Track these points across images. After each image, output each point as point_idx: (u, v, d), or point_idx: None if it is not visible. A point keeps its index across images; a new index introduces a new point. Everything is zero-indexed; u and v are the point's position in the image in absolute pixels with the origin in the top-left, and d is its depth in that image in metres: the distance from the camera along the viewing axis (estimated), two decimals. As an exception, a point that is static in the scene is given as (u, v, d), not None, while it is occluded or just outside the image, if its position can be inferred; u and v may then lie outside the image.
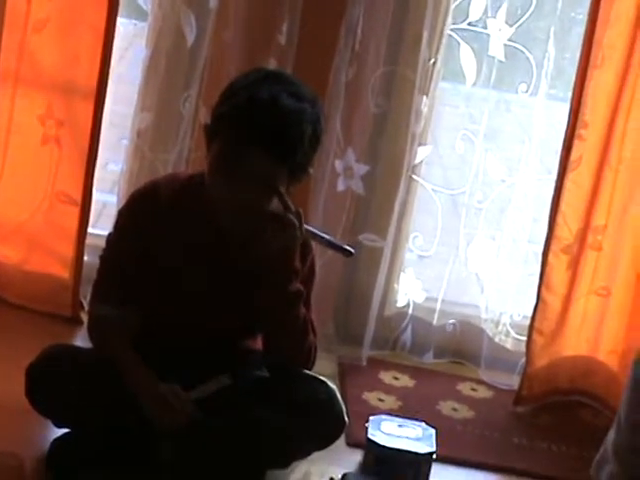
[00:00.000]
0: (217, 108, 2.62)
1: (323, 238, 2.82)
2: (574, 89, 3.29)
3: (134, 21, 3.52)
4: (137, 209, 2.74)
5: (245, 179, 2.53)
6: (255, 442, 2.66)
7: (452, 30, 3.52)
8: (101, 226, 3.34)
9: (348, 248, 2.87)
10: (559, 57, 3.54)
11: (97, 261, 2.79)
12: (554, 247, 3.33)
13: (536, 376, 3.40)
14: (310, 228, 2.74)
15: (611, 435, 2.75)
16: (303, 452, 2.76)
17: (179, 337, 2.70)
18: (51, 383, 2.62)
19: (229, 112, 2.57)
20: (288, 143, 2.55)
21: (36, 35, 3.29)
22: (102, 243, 2.78)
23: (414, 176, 3.49)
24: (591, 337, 3.43)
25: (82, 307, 3.31)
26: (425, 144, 3.47)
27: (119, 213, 2.78)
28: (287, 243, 2.62)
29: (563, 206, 3.30)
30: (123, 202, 2.90)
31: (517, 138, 3.68)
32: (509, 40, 3.57)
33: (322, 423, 2.71)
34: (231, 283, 2.68)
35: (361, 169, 3.42)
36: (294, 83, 2.68)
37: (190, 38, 3.30)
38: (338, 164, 3.39)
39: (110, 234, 2.72)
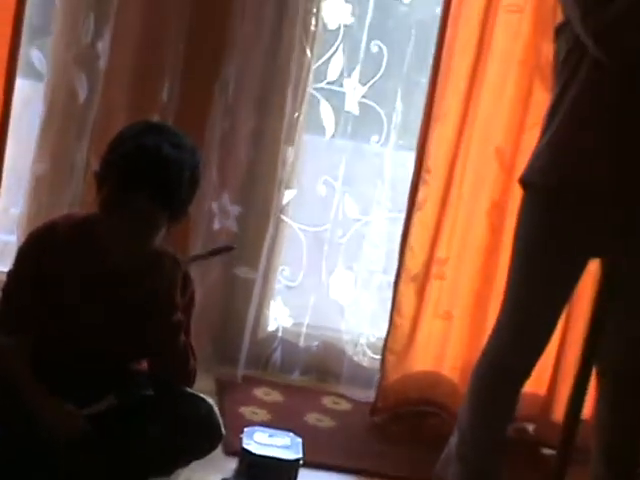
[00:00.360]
0: (106, 156, 2.71)
1: (204, 254, 3.01)
2: (419, 140, 3.53)
3: (32, 81, 3.60)
4: (35, 245, 2.80)
5: (131, 221, 2.65)
6: (142, 456, 2.76)
7: (313, 89, 3.71)
8: (3, 264, 3.29)
9: (228, 245, 3.15)
10: (406, 112, 3.73)
11: (-1, 294, 2.83)
12: (404, 277, 3.52)
13: (390, 389, 3.58)
14: (190, 256, 2.95)
15: (454, 438, 3.00)
16: (185, 461, 2.87)
17: (73, 362, 2.77)
18: None
19: (117, 160, 2.66)
20: (170, 189, 2.65)
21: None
22: (3, 278, 2.82)
23: (282, 216, 3.68)
24: (436, 355, 3.63)
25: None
26: (291, 188, 3.65)
27: (19, 250, 2.83)
28: (169, 280, 2.76)
29: (411, 241, 3.52)
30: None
31: (371, 182, 3.80)
32: (362, 97, 3.80)
33: (202, 436, 2.84)
34: (123, 316, 2.77)
35: (235, 210, 3.59)
36: (176, 134, 2.79)
37: (82, 96, 3.43)
38: (214, 206, 3.55)
39: (10, 270, 2.79)
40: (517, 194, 3.01)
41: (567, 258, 2.90)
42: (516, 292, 2.95)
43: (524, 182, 2.89)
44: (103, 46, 3.42)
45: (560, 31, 2.88)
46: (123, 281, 2.76)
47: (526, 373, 2.98)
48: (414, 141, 3.58)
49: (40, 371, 2.76)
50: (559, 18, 2.92)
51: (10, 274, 2.82)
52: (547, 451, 3.54)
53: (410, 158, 3.56)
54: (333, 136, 3.77)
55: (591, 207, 2.81)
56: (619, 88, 2.78)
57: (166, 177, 2.67)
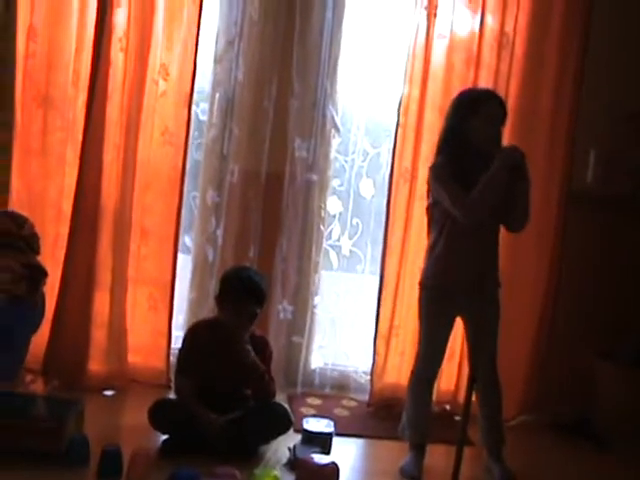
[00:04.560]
0: (221, 287, 3.54)
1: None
2: (380, 268, 4.15)
3: (184, 255, 4.32)
4: (191, 333, 3.64)
5: (247, 315, 3.46)
6: (254, 434, 3.47)
7: (327, 245, 4.39)
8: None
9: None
10: (374, 252, 4.42)
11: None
12: (379, 336, 4.20)
13: (376, 393, 4.28)
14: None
15: (404, 414, 3.61)
16: (274, 436, 3.56)
17: (215, 389, 3.50)
18: (161, 416, 3.46)
19: (233, 290, 3.47)
20: (262, 299, 3.50)
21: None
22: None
23: (314, 310, 4.39)
24: (397, 373, 4.26)
25: (170, 379, 4.09)
26: (317, 295, 4.37)
27: (184, 336, 3.68)
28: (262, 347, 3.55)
29: (380, 318, 4.18)
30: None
31: (358, 293, 4.51)
32: (351, 246, 4.49)
33: (282, 423, 3.57)
34: (239, 368, 3.48)
35: (289, 308, 4.37)
36: (256, 271, 3.67)
37: (210, 258, 4.28)
38: (279, 307, 4.33)
39: (181, 347, 3.62)
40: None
41: (442, 317, 3.53)
42: (423, 336, 3.56)
43: (420, 284, 3.56)
44: (220, 233, 4.25)
45: (433, 206, 3.46)
46: (238, 350, 3.49)
47: (433, 378, 3.60)
48: (377, 268, 4.28)
49: (202, 395, 3.48)
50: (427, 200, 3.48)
51: (181, 350, 3.63)
52: (457, 417, 4.07)
53: (376, 279, 4.26)
54: (337, 269, 4.52)
55: (450, 295, 3.46)
56: (465, 236, 3.38)
57: (261, 293, 3.51)
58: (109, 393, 4.10)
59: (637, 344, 4.40)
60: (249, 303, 3.48)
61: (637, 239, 4.46)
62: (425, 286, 3.54)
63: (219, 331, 3.54)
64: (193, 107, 4.19)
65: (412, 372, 3.62)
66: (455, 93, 3.99)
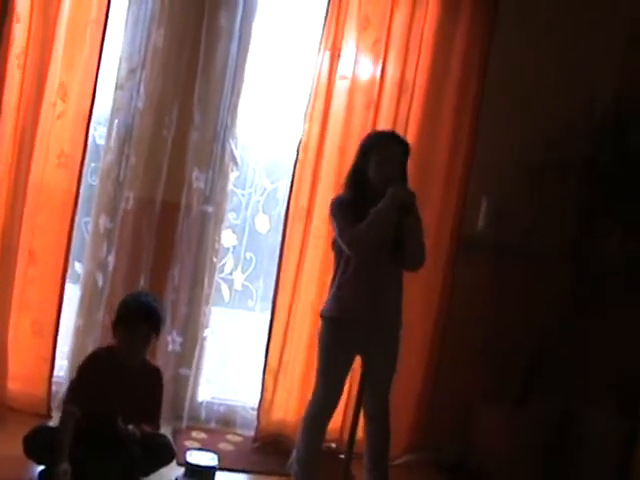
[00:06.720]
0: (118, 311, 3.46)
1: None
2: (272, 304, 4.18)
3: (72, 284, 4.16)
4: (88, 361, 3.51)
5: (140, 338, 3.40)
6: (131, 465, 3.37)
7: (219, 278, 4.38)
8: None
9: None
10: (266, 289, 4.47)
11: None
12: (267, 371, 4.20)
13: (262, 429, 4.29)
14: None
15: (295, 451, 3.57)
16: (156, 468, 3.50)
17: (103, 418, 3.39)
18: (37, 444, 3.33)
19: (129, 312, 3.40)
20: (158, 323, 3.45)
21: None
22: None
23: (204, 342, 4.34)
24: (284, 410, 4.28)
25: (50, 408, 3.98)
26: (207, 327, 4.30)
27: (82, 362, 3.52)
28: (154, 377, 3.52)
29: (270, 354, 4.17)
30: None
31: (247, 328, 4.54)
32: (244, 281, 4.53)
33: (165, 454, 3.52)
34: (131, 397, 3.42)
35: (178, 340, 4.30)
36: (153, 296, 3.63)
37: (100, 284, 4.14)
38: (169, 338, 4.26)
39: (73, 378, 3.54)
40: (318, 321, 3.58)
41: (340, 353, 3.48)
42: (320, 371, 3.52)
43: (320, 315, 3.56)
44: (111, 260, 4.12)
45: (335, 240, 3.48)
46: (133, 376, 3.45)
47: (328, 416, 3.54)
48: (269, 303, 4.29)
49: (86, 422, 3.35)
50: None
51: (75, 377, 3.52)
52: (342, 456, 3.80)
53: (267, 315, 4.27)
54: (228, 302, 4.55)
55: (349, 331, 3.43)
56: (366, 271, 3.37)
57: (157, 315, 3.46)
58: (-17, 421, 3.91)
59: (516, 386, 4.45)
60: (144, 325, 3.42)
61: (524, 284, 4.52)
62: (324, 318, 3.53)
63: (115, 360, 3.47)
64: (91, 130, 4.09)
65: (307, 409, 3.57)
66: (355, 134, 4.10)
